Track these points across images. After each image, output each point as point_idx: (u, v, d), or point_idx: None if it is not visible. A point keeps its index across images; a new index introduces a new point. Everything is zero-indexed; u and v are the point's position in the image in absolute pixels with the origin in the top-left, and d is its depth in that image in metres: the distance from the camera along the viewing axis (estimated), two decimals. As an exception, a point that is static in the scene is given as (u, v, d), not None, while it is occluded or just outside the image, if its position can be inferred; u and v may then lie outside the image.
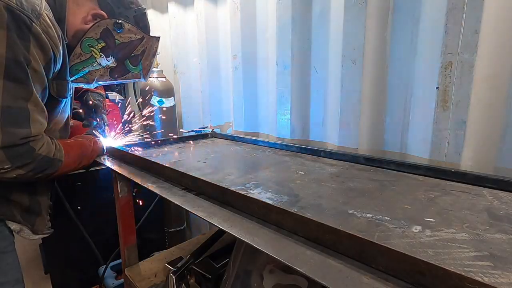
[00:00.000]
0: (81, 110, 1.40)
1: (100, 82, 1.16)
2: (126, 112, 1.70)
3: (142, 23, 1.12)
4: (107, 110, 1.49)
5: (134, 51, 1.13)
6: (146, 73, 1.21)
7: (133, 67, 1.16)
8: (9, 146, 0.85)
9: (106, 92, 1.63)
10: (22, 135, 0.87)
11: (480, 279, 0.40)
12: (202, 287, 1.18)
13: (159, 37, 1.19)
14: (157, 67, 2.03)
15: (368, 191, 0.86)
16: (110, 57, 1.10)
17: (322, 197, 0.81)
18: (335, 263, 0.53)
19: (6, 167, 0.86)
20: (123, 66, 1.14)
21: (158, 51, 1.24)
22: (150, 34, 1.16)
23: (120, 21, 1.05)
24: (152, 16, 2.29)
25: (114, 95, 2.08)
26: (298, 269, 0.51)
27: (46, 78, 0.92)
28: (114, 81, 1.18)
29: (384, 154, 1.24)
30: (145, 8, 1.15)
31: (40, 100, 0.92)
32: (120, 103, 2.03)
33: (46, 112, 0.95)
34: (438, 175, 0.97)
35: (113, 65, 1.12)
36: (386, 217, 0.68)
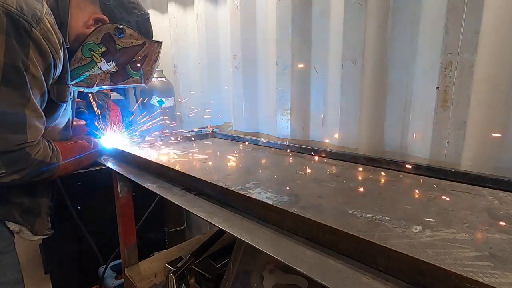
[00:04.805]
0: (85, 110, 1.40)
1: (101, 86, 1.16)
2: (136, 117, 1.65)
3: (144, 29, 1.11)
4: (110, 110, 1.49)
5: (135, 57, 1.12)
6: (147, 78, 1.20)
7: (134, 72, 1.15)
8: (4, 152, 0.85)
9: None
10: (18, 141, 0.87)
11: (480, 279, 0.40)
12: (202, 287, 1.18)
13: (161, 43, 1.18)
14: (157, 67, 2.02)
15: (368, 191, 0.86)
16: (111, 62, 1.09)
17: (322, 197, 0.81)
18: (335, 263, 0.53)
19: (1, 172, 0.86)
20: (124, 71, 1.14)
21: (158, 51, 1.23)
22: (153, 39, 1.15)
23: (121, 26, 1.04)
24: (152, 16, 2.25)
25: (114, 95, 2.08)
26: (298, 269, 0.51)
27: (45, 84, 0.91)
28: (115, 86, 1.18)
29: (384, 154, 1.24)
30: (148, 14, 1.14)
31: (39, 105, 0.91)
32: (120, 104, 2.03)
33: (44, 118, 0.95)
34: (438, 175, 0.97)
35: (114, 69, 1.11)
36: (386, 217, 0.68)
